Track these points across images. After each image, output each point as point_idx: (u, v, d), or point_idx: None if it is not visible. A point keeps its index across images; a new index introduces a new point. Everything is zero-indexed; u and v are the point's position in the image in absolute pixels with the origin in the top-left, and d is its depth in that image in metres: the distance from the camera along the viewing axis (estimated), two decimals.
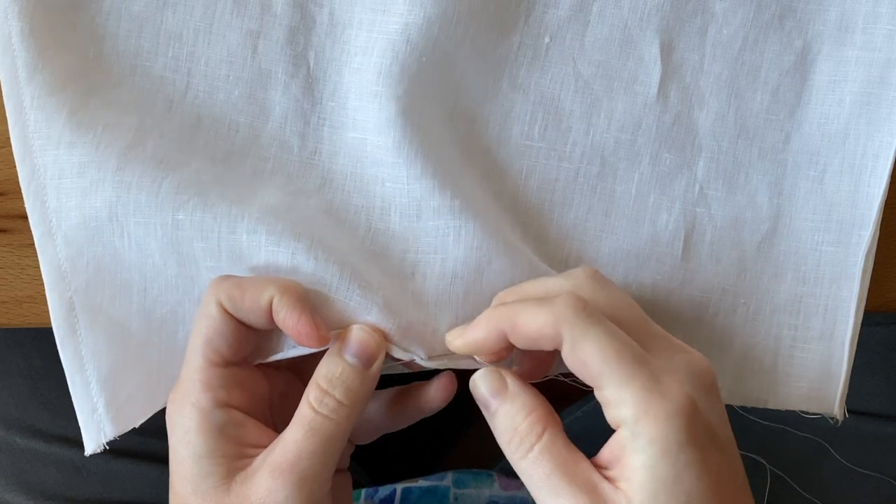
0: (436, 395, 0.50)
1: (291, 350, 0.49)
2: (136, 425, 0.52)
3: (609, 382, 0.43)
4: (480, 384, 0.46)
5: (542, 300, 0.45)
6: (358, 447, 0.54)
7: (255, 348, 0.50)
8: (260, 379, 0.49)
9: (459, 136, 0.52)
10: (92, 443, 0.51)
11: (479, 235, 0.50)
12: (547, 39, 0.53)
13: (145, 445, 0.66)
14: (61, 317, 0.51)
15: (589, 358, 0.43)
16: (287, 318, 0.46)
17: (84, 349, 0.51)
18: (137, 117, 0.51)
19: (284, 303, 0.46)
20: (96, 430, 0.51)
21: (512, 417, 0.45)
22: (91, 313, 0.51)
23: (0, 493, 0.67)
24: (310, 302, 0.47)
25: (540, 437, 0.44)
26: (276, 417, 0.49)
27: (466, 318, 0.49)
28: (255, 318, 0.47)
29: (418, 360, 0.49)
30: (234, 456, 0.46)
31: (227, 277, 0.48)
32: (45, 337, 0.66)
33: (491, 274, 0.50)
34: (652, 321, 0.47)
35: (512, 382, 0.46)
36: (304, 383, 0.47)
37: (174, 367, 0.51)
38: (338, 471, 0.51)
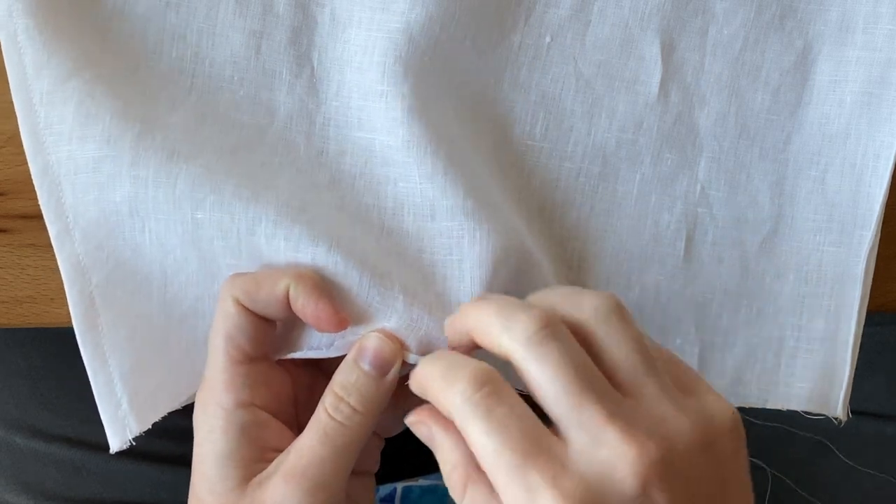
0: None
1: (310, 351, 0.49)
2: (159, 418, 0.51)
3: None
4: (417, 431, 0.45)
5: (508, 320, 0.42)
6: None
7: (274, 344, 0.50)
8: (284, 376, 0.49)
9: (464, 134, 0.52)
10: (117, 440, 0.51)
11: (493, 237, 0.49)
12: (548, 39, 0.53)
13: (145, 445, 0.66)
14: (82, 312, 0.50)
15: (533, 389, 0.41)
16: (305, 304, 0.46)
17: (106, 345, 0.51)
18: (143, 109, 0.51)
19: (301, 290, 0.46)
20: (121, 426, 0.51)
21: (443, 466, 0.43)
22: (112, 308, 0.51)
23: (0, 493, 0.67)
24: (327, 288, 0.48)
25: (463, 493, 0.42)
26: (302, 416, 0.49)
27: None
28: (273, 310, 0.47)
29: None
30: (253, 459, 0.46)
31: (241, 274, 0.48)
32: (45, 337, 0.66)
33: (507, 274, 0.50)
34: (659, 372, 0.42)
35: (438, 434, 0.44)
36: (329, 380, 0.47)
37: (195, 362, 0.51)
38: (363, 473, 0.51)
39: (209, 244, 0.49)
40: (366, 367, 0.47)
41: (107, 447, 0.51)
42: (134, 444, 0.51)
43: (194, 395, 0.50)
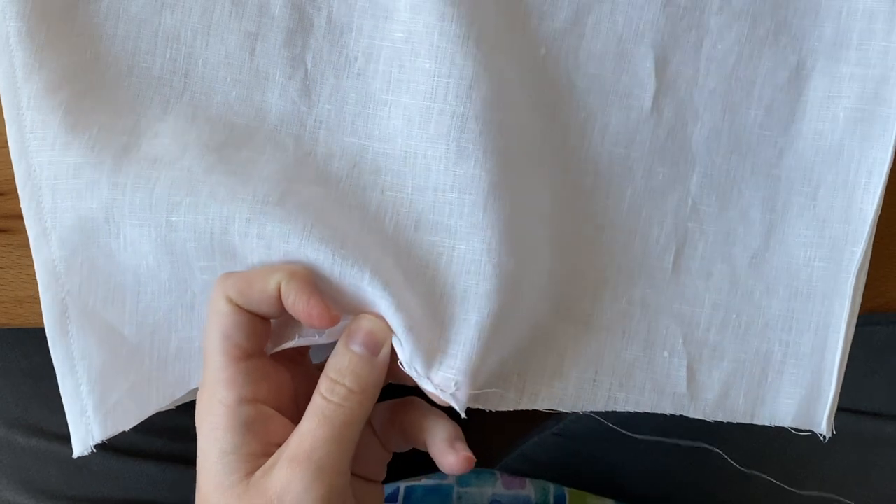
0: (454, 464, 0.50)
1: (302, 339, 0.50)
2: (126, 429, 0.52)
3: None
4: None
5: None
6: None
7: (268, 339, 0.50)
8: (283, 372, 0.50)
9: (460, 146, 0.52)
10: (80, 445, 0.52)
11: (468, 259, 0.50)
12: (542, 51, 0.53)
13: (147, 444, 0.67)
14: (54, 318, 0.51)
15: None
16: (297, 301, 0.47)
17: (75, 350, 0.51)
18: (133, 118, 0.51)
19: (293, 287, 0.47)
20: (85, 432, 0.52)
21: None
22: (83, 315, 0.51)
23: (1, 491, 0.68)
24: (317, 285, 0.48)
25: None
26: (303, 411, 0.49)
27: (446, 341, 0.49)
28: (266, 307, 0.47)
29: (406, 368, 0.49)
30: (258, 454, 0.47)
31: (231, 273, 0.48)
32: (46, 336, 0.66)
33: (477, 298, 0.50)
34: None
35: None
36: None
37: (166, 374, 0.52)
38: (370, 481, 0.52)
39: (182, 247, 0.50)
40: (357, 348, 0.48)
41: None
42: (95, 451, 0.52)
43: (161, 408, 0.51)
